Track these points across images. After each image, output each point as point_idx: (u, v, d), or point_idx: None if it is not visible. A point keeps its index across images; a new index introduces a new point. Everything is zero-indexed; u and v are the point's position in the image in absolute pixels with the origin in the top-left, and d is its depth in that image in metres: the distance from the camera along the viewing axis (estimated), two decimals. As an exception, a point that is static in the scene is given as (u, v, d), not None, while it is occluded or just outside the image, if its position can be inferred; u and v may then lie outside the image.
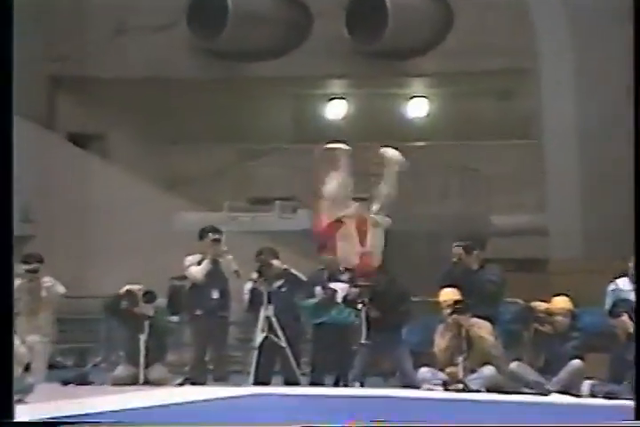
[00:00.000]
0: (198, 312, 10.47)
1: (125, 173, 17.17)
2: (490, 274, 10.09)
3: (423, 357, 10.19)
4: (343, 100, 20.81)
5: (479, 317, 9.76)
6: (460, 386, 9.49)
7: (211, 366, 10.56)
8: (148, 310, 10.52)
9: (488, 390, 9.45)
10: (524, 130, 18.49)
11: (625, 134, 15.33)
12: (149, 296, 10.57)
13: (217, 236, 10.51)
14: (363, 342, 10.07)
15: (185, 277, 10.70)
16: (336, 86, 20.95)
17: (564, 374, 9.35)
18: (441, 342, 9.66)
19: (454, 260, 10.19)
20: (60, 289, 10.74)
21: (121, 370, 10.48)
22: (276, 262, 10.36)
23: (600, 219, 14.58)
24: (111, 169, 17.28)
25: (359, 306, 10.15)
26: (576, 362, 9.36)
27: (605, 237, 14.16)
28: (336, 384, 10.21)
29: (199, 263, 10.51)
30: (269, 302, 10.20)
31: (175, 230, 15.27)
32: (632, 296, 9.87)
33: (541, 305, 9.70)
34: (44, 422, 4.28)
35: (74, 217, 16.48)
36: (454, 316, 9.59)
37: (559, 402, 8.95)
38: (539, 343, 9.73)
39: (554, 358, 9.50)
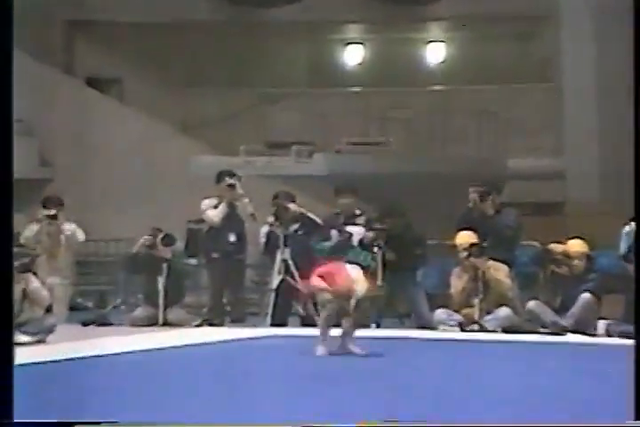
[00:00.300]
0: (215, 255, 10.54)
1: (142, 116, 17.17)
2: (506, 218, 10.10)
3: (439, 299, 10.25)
4: (360, 45, 20.66)
5: (496, 260, 9.80)
6: (476, 327, 9.56)
7: (228, 308, 10.67)
8: (166, 252, 10.61)
9: (504, 331, 9.52)
10: (542, 73, 18.36)
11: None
12: (168, 239, 10.65)
13: (233, 180, 10.54)
14: (379, 284, 10.12)
15: (202, 221, 10.76)
16: (353, 31, 20.79)
17: (576, 308, 9.41)
18: (458, 283, 9.71)
19: (470, 204, 10.19)
20: (81, 236, 10.83)
21: (140, 311, 10.61)
22: (292, 206, 10.38)
23: (617, 162, 14.53)
24: (128, 113, 17.28)
25: (375, 249, 10.18)
26: (587, 295, 9.39)
27: (622, 180, 14.12)
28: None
29: (216, 207, 10.55)
30: (285, 245, 10.25)
31: (192, 174, 15.31)
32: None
33: (558, 247, 9.73)
34: (44, 423, 4.35)
35: (91, 161, 16.54)
36: (471, 259, 9.63)
37: (575, 342, 9.00)
38: (555, 285, 9.78)
39: (570, 299, 9.55)
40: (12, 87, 4.70)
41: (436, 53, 20.42)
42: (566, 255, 9.59)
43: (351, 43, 20.70)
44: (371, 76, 20.02)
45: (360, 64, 20.63)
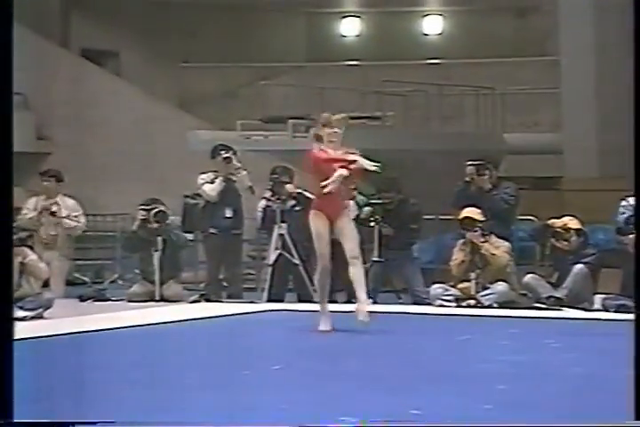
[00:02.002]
0: (212, 230, 10.53)
1: (139, 90, 17.10)
2: (504, 193, 10.09)
3: (435, 274, 10.28)
4: (357, 19, 20.58)
5: (496, 235, 9.80)
6: (473, 302, 9.58)
7: (225, 284, 10.68)
8: (159, 229, 10.59)
9: (500, 307, 9.54)
10: (540, 47, 18.29)
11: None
12: (160, 215, 10.63)
13: (229, 154, 10.51)
14: (375, 259, 10.15)
15: (198, 196, 10.74)
16: (350, 4, 20.69)
17: (570, 279, 9.43)
18: (458, 256, 9.73)
19: (467, 179, 10.18)
20: (81, 224, 10.91)
21: (137, 287, 10.62)
22: (289, 187, 10.35)
23: (615, 137, 14.50)
24: (126, 87, 17.20)
25: (372, 224, 10.19)
26: (580, 266, 9.41)
27: (620, 156, 14.11)
28: (348, 301, 10.31)
29: (212, 182, 10.52)
30: (283, 220, 10.24)
31: (189, 149, 15.27)
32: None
33: (558, 222, 9.74)
34: (44, 423, 4.36)
35: (89, 135, 16.50)
36: (471, 233, 9.64)
37: (571, 316, 9.03)
38: (553, 259, 9.80)
39: (567, 274, 9.57)
40: (11, 86, 4.70)
41: (433, 27, 20.35)
42: (566, 230, 9.60)
43: (348, 16, 20.62)
44: (367, 50, 19.96)
45: (357, 37, 20.55)
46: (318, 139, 7.70)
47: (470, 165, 10.16)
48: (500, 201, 10.03)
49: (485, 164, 10.18)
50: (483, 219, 9.70)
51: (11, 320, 4.62)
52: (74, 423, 4.26)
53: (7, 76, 4.66)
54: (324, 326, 7.65)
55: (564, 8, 15.21)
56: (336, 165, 7.57)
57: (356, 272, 7.69)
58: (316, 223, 7.63)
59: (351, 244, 7.70)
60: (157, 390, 5.37)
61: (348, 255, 7.69)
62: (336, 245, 10.31)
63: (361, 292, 7.66)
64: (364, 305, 7.61)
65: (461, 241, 9.78)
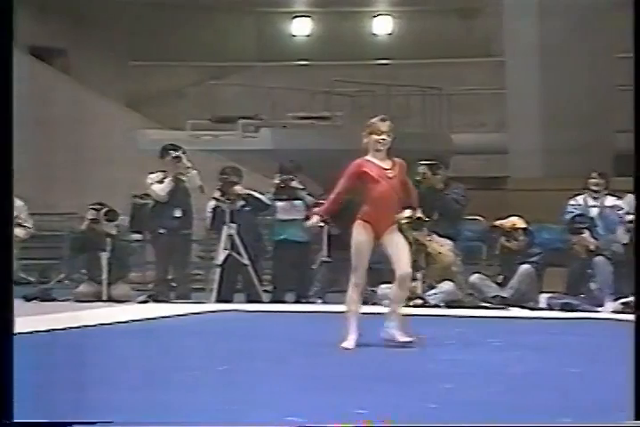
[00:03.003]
0: (161, 230, 10.50)
1: (87, 89, 16.98)
2: (454, 193, 10.17)
3: (384, 274, 10.31)
4: (307, 18, 20.61)
5: (442, 234, 9.87)
6: (420, 301, 9.64)
7: (173, 284, 10.65)
8: (109, 228, 10.54)
9: (447, 306, 9.61)
10: (486, 48, 18.45)
11: (586, 52, 15.42)
12: (111, 215, 10.58)
13: (178, 153, 10.48)
14: (324, 259, 10.18)
15: (147, 196, 10.70)
16: (300, 4, 20.72)
17: (515, 279, 9.53)
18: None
19: (418, 178, 10.23)
20: (29, 225, 10.82)
21: (84, 287, 10.56)
22: (237, 188, 10.35)
23: (559, 137, 14.68)
24: (73, 85, 17.06)
25: (321, 224, 10.21)
26: (525, 266, 9.52)
27: (565, 156, 14.29)
28: (297, 301, 10.34)
29: (161, 182, 10.48)
30: (232, 220, 10.24)
31: (137, 148, 15.19)
32: (590, 212, 10.04)
33: (508, 222, 9.83)
34: (45, 423, 4.33)
35: (36, 133, 16.34)
36: (414, 233, 9.69)
37: (517, 315, 9.12)
38: (501, 259, 9.90)
39: (513, 273, 9.66)
40: (11, 86, 4.67)
41: (382, 27, 20.45)
42: (515, 230, 9.70)
43: (298, 16, 20.64)
44: (318, 50, 20.00)
45: (307, 37, 20.58)
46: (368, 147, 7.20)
47: (423, 164, 10.21)
48: (451, 201, 10.10)
49: (438, 164, 10.25)
50: (419, 215, 9.77)
51: (10, 321, 4.58)
52: (74, 423, 4.25)
53: (7, 76, 4.63)
54: (347, 343, 6.94)
55: (508, 9, 15.37)
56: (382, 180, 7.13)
57: (402, 295, 7.16)
58: (360, 237, 7.09)
59: (404, 260, 7.09)
60: (89, 391, 5.33)
61: (399, 273, 7.10)
62: (287, 248, 10.37)
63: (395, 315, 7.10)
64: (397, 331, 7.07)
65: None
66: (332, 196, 7.20)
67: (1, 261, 4.52)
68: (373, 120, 7.23)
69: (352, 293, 7.19)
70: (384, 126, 7.16)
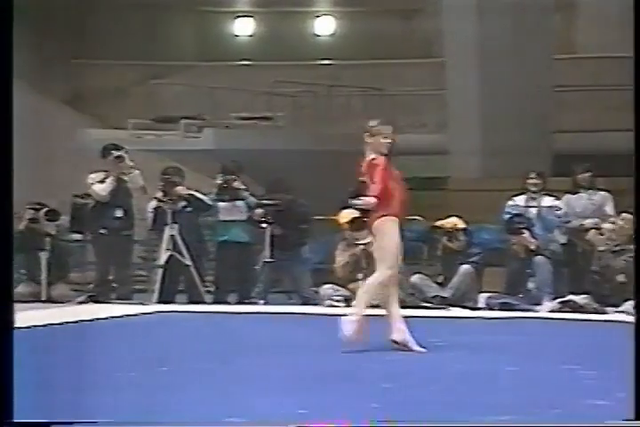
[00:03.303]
0: (102, 231, 10.43)
1: (28, 86, 16.78)
2: (398, 193, 10.20)
3: (327, 274, 10.36)
4: (250, 18, 20.59)
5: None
6: (362, 302, 9.66)
7: (114, 285, 10.58)
8: (50, 228, 10.46)
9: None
10: (426, 49, 18.58)
11: (525, 53, 15.59)
12: (51, 214, 10.49)
13: (121, 153, 10.42)
14: (266, 260, 10.19)
15: (88, 195, 10.62)
16: (243, 4, 20.69)
17: (455, 279, 9.63)
18: (340, 258, 9.82)
19: (361, 179, 10.26)
20: None
21: (22, 287, 10.46)
22: (180, 189, 10.32)
23: (499, 138, 14.83)
24: (14, 82, 16.82)
25: (263, 225, 10.24)
26: (465, 266, 9.61)
27: (504, 156, 14.44)
28: (240, 302, 10.34)
29: (102, 181, 10.42)
30: (174, 221, 10.20)
31: (78, 147, 15.07)
32: (529, 213, 10.18)
33: (449, 222, 9.92)
34: (44, 423, 4.29)
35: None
36: (358, 233, 9.74)
37: (457, 315, 9.21)
38: (442, 259, 9.98)
39: (453, 273, 9.76)
40: (11, 86, 4.63)
41: (324, 27, 20.50)
42: (457, 230, 9.79)
43: (241, 16, 20.61)
44: (260, 50, 19.99)
45: (250, 37, 20.56)
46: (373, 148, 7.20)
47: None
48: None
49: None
50: (359, 216, 9.82)
51: (10, 322, 4.53)
52: (74, 423, 4.22)
53: (7, 76, 4.59)
54: (396, 335, 6.94)
55: (448, 10, 15.50)
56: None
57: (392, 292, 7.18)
58: (394, 231, 7.04)
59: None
60: (39, 391, 5.30)
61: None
62: (229, 248, 10.36)
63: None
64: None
65: (343, 243, 9.88)
66: (378, 186, 7.18)
67: (1, 262, 4.47)
68: (374, 123, 7.27)
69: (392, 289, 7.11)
70: (388, 129, 7.24)
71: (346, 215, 9.90)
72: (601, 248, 9.47)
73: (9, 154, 4.63)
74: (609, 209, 10.17)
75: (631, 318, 8.82)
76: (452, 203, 13.11)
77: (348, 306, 9.66)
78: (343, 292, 9.81)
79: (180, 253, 10.12)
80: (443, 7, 15.63)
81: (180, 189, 10.32)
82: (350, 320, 6.92)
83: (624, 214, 9.48)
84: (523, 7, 15.09)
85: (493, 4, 14.94)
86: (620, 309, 9.15)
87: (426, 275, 9.99)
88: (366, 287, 7.11)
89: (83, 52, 18.83)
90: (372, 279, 7.08)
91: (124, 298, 10.34)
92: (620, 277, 9.24)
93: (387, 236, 7.05)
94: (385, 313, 7.09)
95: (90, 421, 4.32)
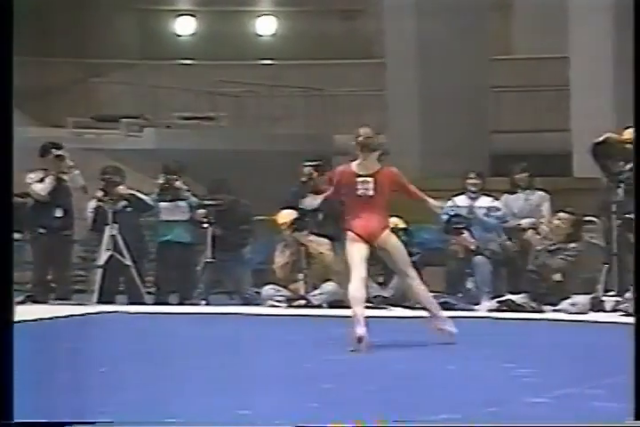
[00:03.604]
0: (41, 230, 10.34)
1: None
2: (339, 194, 10.23)
3: (269, 274, 10.38)
4: (191, 17, 20.52)
5: (321, 235, 9.96)
6: (303, 302, 9.72)
7: (53, 285, 10.49)
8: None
9: (330, 306, 9.71)
10: (367, 50, 18.67)
11: (462, 53, 15.73)
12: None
13: (60, 152, 10.34)
14: (208, 260, 10.18)
15: (27, 195, 10.52)
16: (184, 2, 20.61)
17: (396, 279, 9.68)
18: (280, 259, 9.84)
19: (303, 179, 10.28)
20: None
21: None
22: (121, 188, 10.27)
23: (438, 139, 14.96)
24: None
25: (205, 225, 10.23)
26: None
27: (444, 157, 14.57)
28: (181, 303, 10.32)
29: (42, 181, 10.33)
30: (114, 221, 10.15)
31: (16, 146, 14.87)
32: (468, 213, 10.28)
33: (391, 222, 9.95)
34: (44, 423, 4.25)
35: None
36: (293, 234, 9.76)
37: (398, 315, 9.27)
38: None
39: (394, 273, 9.81)
40: (11, 86, 4.58)
41: (266, 27, 20.50)
42: (397, 230, 9.84)
43: (182, 14, 20.53)
44: (202, 49, 19.93)
45: (191, 36, 20.50)
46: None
47: (307, 165, 10.26)
48: (336, 202, 10.18)
49: (323, 164, 10.31)
50: (298, 217, 9.86)
51: (10, 322, 4.47)
52: (74, 423, 4.18)
53: (7, 76, 4.55)
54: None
55: (388, 10, 15.59)
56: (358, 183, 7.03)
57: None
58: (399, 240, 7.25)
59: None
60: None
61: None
62: (171, 249, 10.32)
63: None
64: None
65: (282, 243, 9.90)
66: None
67: (1, 263, 4.43)
68: (362, 129, 7.23)
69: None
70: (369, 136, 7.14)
71: (284, 216, 9.92)
72: (538, 247, 9.60)
73: (9, 154, 4.61)
74: (545, 209, 10.31)
75: (569, 316, 8.98)
76: (393, 203, 13.18)
77: (290, 306, 9.71)
78: (284, 292, 9.83)
79: (121, 254, 10.07)
80: (383, 8, 15.73)
81: (121, 189, 10.26)
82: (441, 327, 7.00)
83: (560, 214, 9.62)
84: (461, 8, 15.24)
85: (432, 5, 15.06)
86: (557, 307, 9.28)
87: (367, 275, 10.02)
88: (427, 294, 7.24)
89: (21, 50, 18.61)
90: (422, 291, 7.22)
91: (64, 298, 10.26)
92: (557, 276, 9.37)
93: (401, 246, 7.23)
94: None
95: (90, 421, 4.31)
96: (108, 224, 10.13)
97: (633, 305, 7.75)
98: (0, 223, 4.53)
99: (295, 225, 9.74)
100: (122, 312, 9.36)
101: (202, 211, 10.20)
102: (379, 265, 10.11)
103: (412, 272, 7.21)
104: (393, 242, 7.14)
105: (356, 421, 4.48)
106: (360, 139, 7.09)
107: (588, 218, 10.31)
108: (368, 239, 7.07)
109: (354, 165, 7.11)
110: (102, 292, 10.07)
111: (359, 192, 7.03)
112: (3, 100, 4.60)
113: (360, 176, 7.04)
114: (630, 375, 4.59)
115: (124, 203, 10.31)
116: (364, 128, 7.17)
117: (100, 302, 9.98)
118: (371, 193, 7.04)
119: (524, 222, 10.17)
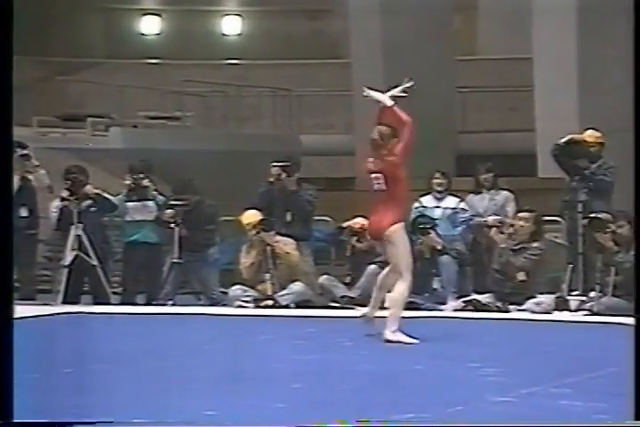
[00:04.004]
0: (5, 231, 10.25)
1: None
2: (307, 194, 10.25)
3: (236, 275, 10.37)
4: (157, 17, 20.48)
5: (291, 235, 9.96)
6: (270, 302, 9.72)
7: (17, 285, 10.41)
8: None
9: (298, 306, 9.72)
10: (333, 50, 18.71)
11: (428, 53, 15.78)
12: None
13: (25, 151, 10.27)
14: (174, 260, 10.15)
15: (-9, 195, 10.43)
16: (149, 2, 20.55)
17: (363, 279, 9.72)
18: (246, 260, 9.83)
19: (271, 180, 10.27)
20: None
21: None
22: (88, 187, 10.22)
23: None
24: None
25: (172, 225, 10.20)
26: (372, 267, 9.71)
27: (409, 157, 14.59)
28: (148, 303, 10.28)
29: (6, 180, 10.24)
30: (80, 220, 10.10)
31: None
32: (434, 213, 10.33)
33: (357, 223, 9.99)
34: (44, 423, 4.21)
35: None
36: (260, 234, 9.76)
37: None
38: (351, 260, 10.06)
39: (362, 273, 9.85)
40: (11, 86, 4.54)
41: (232, 27, 20.49)
42: (364, 230, 9.87)
43: (148, 13, 20.48)
44: (168, 49, 19.88)
45: (157, 35, 20.44)
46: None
47: (276, 166, 10.24)
48: (304, 202, 10.19)
49: (292, 165, 10.30)
50: (263, 217, 9.86)
51: (10, 322, 4.41)
52: (74, 423, 4.15)
53: (7, 76, 4.50)
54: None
55: (353, 11, 15.62)
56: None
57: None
58: (406, 238, 7.30)
59: None
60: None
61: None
62: (137, 249, 10.29)
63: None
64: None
65: (247, 244, 9.90)
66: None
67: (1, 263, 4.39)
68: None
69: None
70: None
71: (249, 216, 9.92)
72: (502, 245, 9.65)
73: (9, 154, 4.57)
74: (510, 209, 10.38)
75: (534, 316, 9.05)
76: (360, 203, 13.23)
77: (257, 307, 9.71)
78: (252, 293, 9.82)
79: (87, 254, 10.02)
80: (349, 8, 15.76)
81: (89, 188, 10.21)
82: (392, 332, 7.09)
83: (521, 214, 9.69)
84: (426, 9, 15.31)
85: (398, 6, 15.12)
86: (522, 307, 9.35)
87: (334, 275, 10.06)
88: (397, 297, 7.22)
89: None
90: (400, 287, 7.20)
91: (28, 298, 10.19)
92: (521, 275, 9.43)
93: (402, 245, 7.25)
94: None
95: (90, 421, 4.29)
96: (73, 224, 10.08)
97: (634, 305, 7.79)
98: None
99: (261, 226, 9.74)
100: (88, 313, 9.31)
101: (169, 211, 10.17)
102: (346, 266, 10.17)
103: (408, 275, 7.22)
104: (394, 238, 7.23)
105: (339, 421, 4.50)
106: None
107: (552, 218, 10.40)
108: (373, 235, 7.38)
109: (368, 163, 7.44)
110: (68, 292, 10.01)
111: (375, 188, 7.32)
112: (2, 100, 4.58)
113: (373, 173, 7.35)
114: (630, 375, 4.61)
115: (89, 202, 10.26)
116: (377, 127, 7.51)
117: (65, 302, 9.93)
118: (384, 188, 7.29)
119: (490, 220, 10.22)
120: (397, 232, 7.27)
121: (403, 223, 7.37)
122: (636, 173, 5.36)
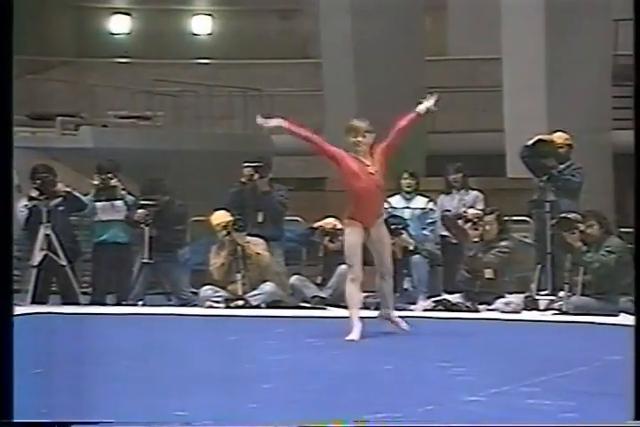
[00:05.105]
0: (-26, 230, 10.18)
1: None
2: (278, 195, 10.25)
3: (207, 275, 10.37)
4: (127, 16, 20.41)
5: (260, 235, 9.97)
6: (241, 303, 9.72)
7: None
8: None
9: (268, 307, 9.72)
10: (304, 50, 18.73)
11: (398, 53, 15.82)
12: None
13: (-7, 151, 10.19)
14: (144, 261, 10.13)
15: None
16: (119, 0, 20.48)
17: (333, 279, 9.73)
18: (216, 260, 9.83)
19: (243, 180, 10.26)
20: None
21: None
22: (59, 186, 10.17)
23: (374, 138, 15.02)
24: None
25: (142, 225, 10.17)
26: (343, 267, 9.72)
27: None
28: (118, 303, 10.25)
29: (-27, 180, 10.17)
30: (48, 220, 10.05)
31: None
32: (404, 213, 10.36)
33: (328, 223, 10.00)
34: (44, 423, 4.18)
35: None
36: (230, 234, 9.75)
37: (336, 315, 9.31)
38: (322, 260, 10.07)
39: (332, 274, 9.86)
40: (11, 86, 4.50)
41: (202, 26, 20.47)
42: (335, 230, 9.88)
43: (117, 12, 20.41)
44: (138, 48, 19.81)
45: (128, 34, 20.38)
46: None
47: (248, 166, 10.22)
48: (277, 203, 10.19)
49: (264, 165, 10.29)
50: (233, 218, 9.85)
51: (10, 322, 4.37)
52: (74, 423, 4.12)
53: (7, 76, 4.45)
54: (353, 335, 7.25)
55: (323, 11, 15.65)
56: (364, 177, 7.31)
57: (388, 286, 7.62)
58: (351, 235, 7.31)
59: (385, 256, 7.48)
60: None
61: (379, 269, 7.50)
62: (107, 249, 10.25)
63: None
64: (396, 317, 7.61)
65: (217, 245, 9.89)
66: (310, 133, 7.48)
67: (1, 262, 4.34)
68: (352, 122, 7.45)
69: (351, 287, 7.45)
70: (360, 127, 7.38)
71: (218, 217, 9.91)
72: (475, 239, 9.67)
73: (9, 154, 4.52)
74: (479, 208, 10.42)
75: (504, 315, 9.10)
76: (331, 203, 13.28)
77: (228, 307, 9.70)
78: (222, 293, 9.82)
79: (56, 253, 9.97)
80: (320, 8, 15.80)
81: (59, 187, 10.16)
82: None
83: (485, 216, 9.74)
84: (396, 9, 15.36)
85: (368, 6, 15.17)
86: (491, 307, 9.40)
87: (305, 276, 10.07)
88: (389, 293, 7.56)
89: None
90: (389, 287, 7.55)
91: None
92: (489, 273, 9.48)
93: (344, 241, 7.43)
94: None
95: (90, 421, 4.27)
96: (42, 223, 10.02)
97: (633, 305, 7.84)
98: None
99: (232, 226, 9.73)
100: (57, 313, 9.26)
101: (140, 211, 10.14)
102: (318, 266, 10.18)
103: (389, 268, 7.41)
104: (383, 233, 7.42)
105: (336, 421, 4.50)
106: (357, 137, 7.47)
107: (521, 218, 10.46)
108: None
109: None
110: (37, 292, 9.96)
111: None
112: (2, 100, 4.54)
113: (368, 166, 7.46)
114: (630, 376, 4.63)
115: (58, 201, 10.20)
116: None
117: (34, 302, 9.88)
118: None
119: (470, 212, 10.10)
120: (344, 228, 7.50)
121: (347, 220, 7.50)
122: (637, 172, 5.43)
